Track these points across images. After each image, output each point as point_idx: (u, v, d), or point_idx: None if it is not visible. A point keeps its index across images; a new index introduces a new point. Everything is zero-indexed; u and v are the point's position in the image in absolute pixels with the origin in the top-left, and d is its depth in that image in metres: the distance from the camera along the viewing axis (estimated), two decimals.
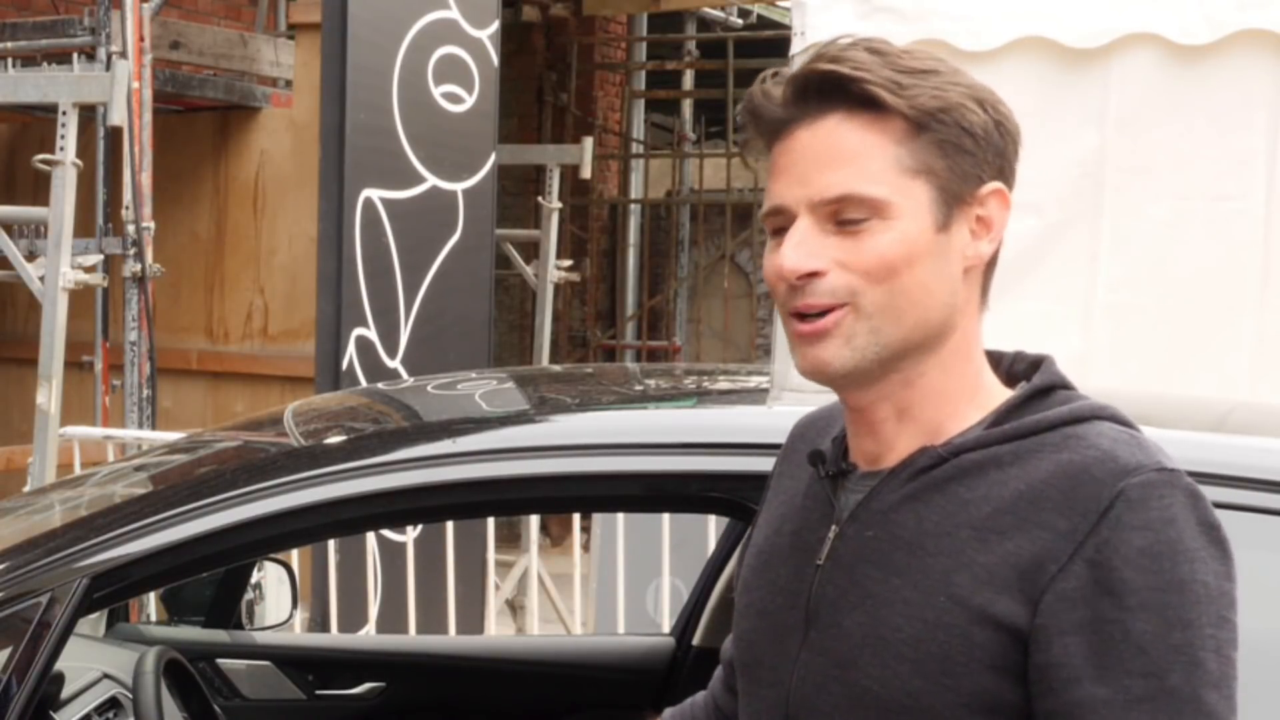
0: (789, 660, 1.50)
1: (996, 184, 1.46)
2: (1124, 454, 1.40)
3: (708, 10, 11.18)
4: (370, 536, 5.29)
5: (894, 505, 1.46)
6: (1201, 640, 1.34)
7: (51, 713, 2.27)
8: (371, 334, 5.65)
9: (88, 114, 5.98)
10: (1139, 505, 1.36)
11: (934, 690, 1.39)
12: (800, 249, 1.43)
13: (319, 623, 5.29)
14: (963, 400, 1.49)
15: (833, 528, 1.50)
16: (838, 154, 1.43)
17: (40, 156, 5.59)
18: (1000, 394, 1.50)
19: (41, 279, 5.60)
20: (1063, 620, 1.35)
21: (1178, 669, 1.33)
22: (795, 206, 1.44)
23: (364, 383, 5.41)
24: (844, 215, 1.42)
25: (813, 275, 1.43)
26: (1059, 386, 1.50)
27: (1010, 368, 1.55)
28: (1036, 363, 1.54)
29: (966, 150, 1.44)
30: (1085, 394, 1.50)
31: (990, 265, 1.50)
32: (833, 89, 1.43)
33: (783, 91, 1.45)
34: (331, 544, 5.09)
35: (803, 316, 1.44)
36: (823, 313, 1.43)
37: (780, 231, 1.46)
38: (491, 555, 5.68)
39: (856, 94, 1.42)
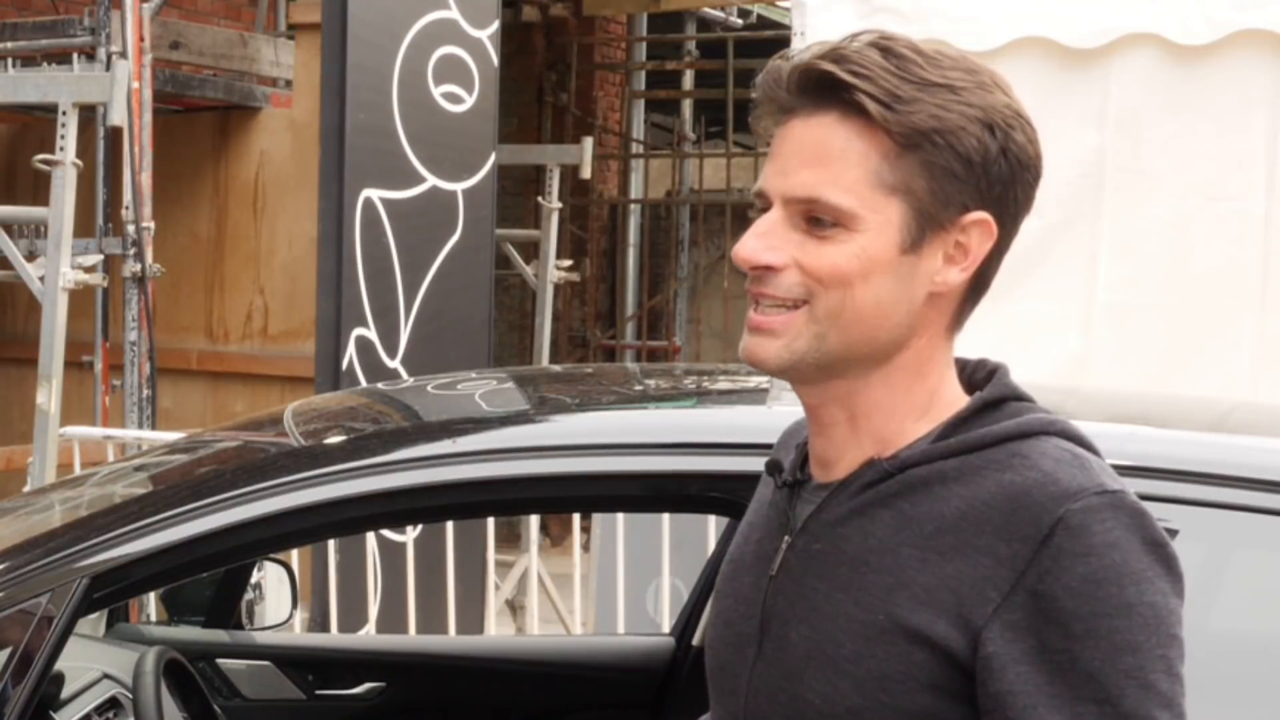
0: (746, 670, 1.51)
1: (981, 214, 1.42)
2: (1065, 476, 1.38)
3: (708, 10, 11.17)
4: (370, 536, 5.29)
5: (841, 519, 1.46)
6: (1152, 662, 1.33)
7: (51, 713, 2.27)
8: (371, 334, 5.65)
9: (88, 114, 5.97)
10: (1080, 531, 1.34)
11: (873, 708, 1.38)
12: (762, 240, 1.43)
13: (319, 623, 5.29)
14: (910, 417, 1.47)
15: (785, 538, 1.51)
16: (820, 155, 1.41)
17: (40, 156, 5.59)
18: (956, 406, 1.48)
19: (41, 279, 5.60)
20: (1013, 650, 1.34)
21: (1130, 693, 1.32)
22: (772, 195, 1.44)
23: (364, 383, 5.41)
24: (814, 216, 1.41)
25: (768, 269, 1.43)
26: (1010, 398, 1.48)
27: (972, 376, 1.53)
28: (994, 371, 1.52)
29: (955, 175, 1.41)
30: (1037, 405, 1.48)
31: (972, 292, 1.47)
32: (831, 88, 1.41)
33: (788, 79, 1.44)
34: (331, 544, 5.09)
35: (757, 304, 1.44)
36: (779, 306, 1.43)
37: (764, 212, 1.46)
38: (491, 555, 5.68)
39: (850, 99, 1.40)
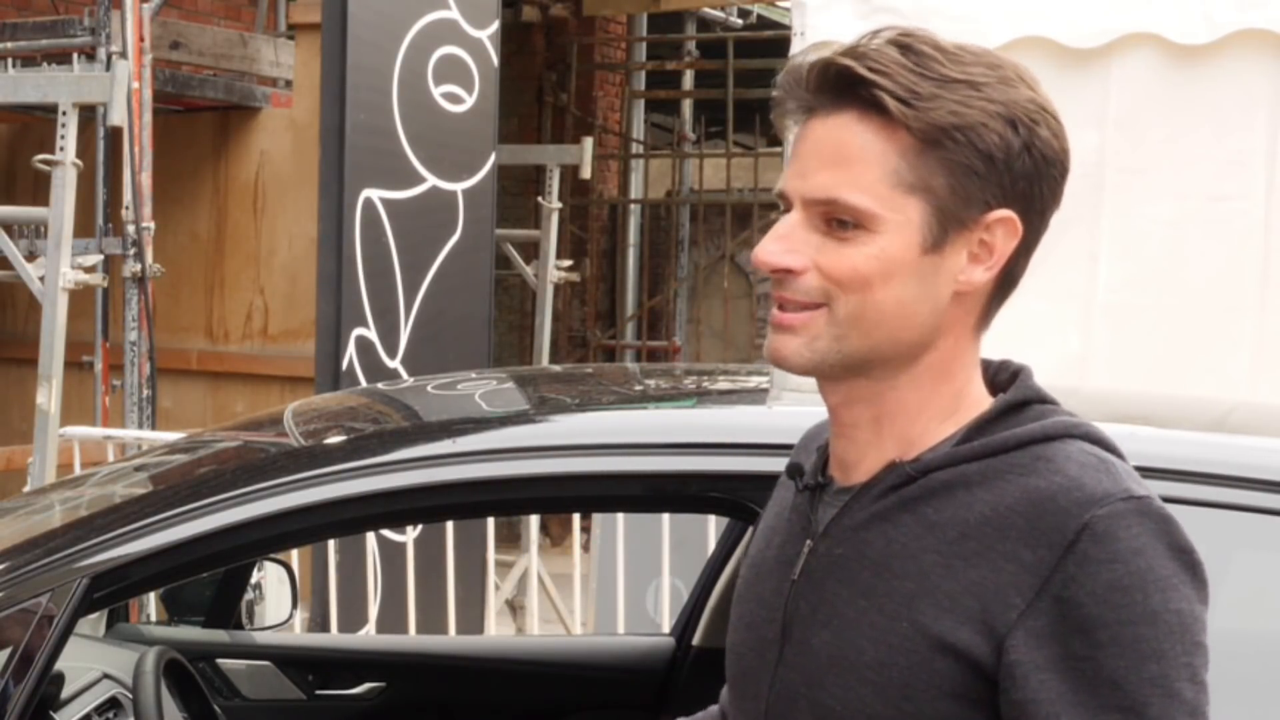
0: (768, 674, 1.50)
1: (1005, 211, 1.41)
2: (1090, 482, 1.36)
3: (708, 10, 11.17)
4: (370, 536, 5.29)
5: (863, 523, 1.44)
6: (1177, 670, 1.32)
7: (51, 713, 2.27)
8: (371, 334, 5.65)
9: (88, 114, 5.98)
10: (1105, 538, 1.33)
11: (895, 715, 1.37)
12: (781, 243, 1.42)
13: (319, 623, 5.29)
14: (935, 418, 1.45)
15: (807, 543, 1.49)
16: (839, 155, 1.40)
17: (40, 156, 5.59)
18: (981, 407, 1.47)
19: (41, 279, 5.60)
20: (1037, 657, 1.33)
21: (1155, 701, 1.31)
22: (792, 197, 1.43)
23: (364, 383, 5.41)
24: (834, 218, 1.40)
25: (788, 272, 1.41)
26: (1034, 400, 1.46)
27: (995, 377, 1.51)
28: (1017, 373, 1.50)
29: (976, 173, 1.39)
30: (1060, 408, 1.47)
31: (999, 290, 1.46)
32: (849, 85, 1.39)
33: (808, 76, 1.42)
34: (331, 544, 5.09)
35: (782, 305, 1.43)
36: (799, 308, 1.42)
37: (785, 214, 1.44)
38: (491, 555, 5.68)
39: (868, 97, 1.38)
